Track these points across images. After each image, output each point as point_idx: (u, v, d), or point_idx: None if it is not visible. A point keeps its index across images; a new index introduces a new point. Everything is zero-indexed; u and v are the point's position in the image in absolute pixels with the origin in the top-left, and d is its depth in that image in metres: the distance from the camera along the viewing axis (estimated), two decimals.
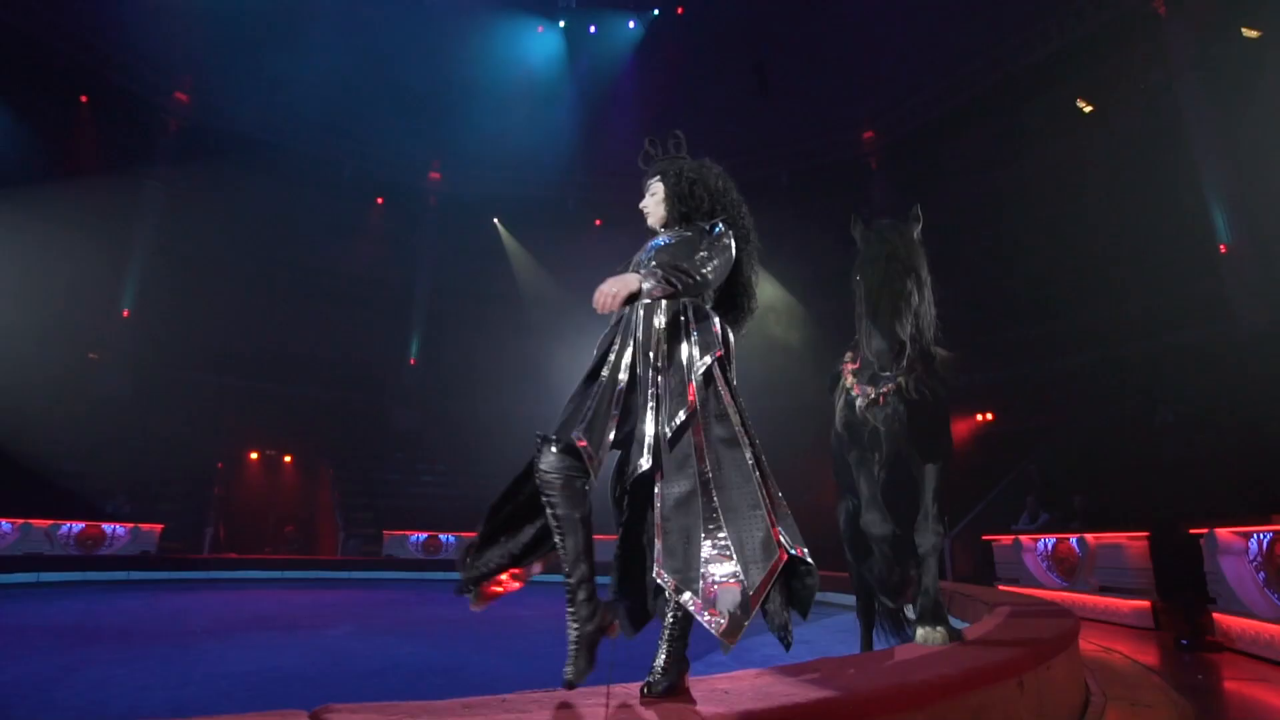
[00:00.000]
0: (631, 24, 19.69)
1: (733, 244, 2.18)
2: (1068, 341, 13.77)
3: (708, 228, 2.22)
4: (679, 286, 1.97)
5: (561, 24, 19.51)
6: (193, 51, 15.85)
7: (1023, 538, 8.02)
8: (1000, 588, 7.66)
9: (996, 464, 11.77)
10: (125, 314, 15.87)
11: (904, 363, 2.68)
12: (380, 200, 19.63)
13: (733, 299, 2.29)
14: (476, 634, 6.05)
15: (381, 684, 3.77)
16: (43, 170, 13.87)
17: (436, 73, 17.90)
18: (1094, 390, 12.37)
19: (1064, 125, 14.55)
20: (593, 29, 19.57)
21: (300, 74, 16.23)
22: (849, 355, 3.30)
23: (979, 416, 14.45)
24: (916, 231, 3.01)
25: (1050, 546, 7.51)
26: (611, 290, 1.86)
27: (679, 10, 19.37)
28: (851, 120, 17.99)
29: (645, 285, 1.90)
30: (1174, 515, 6.14)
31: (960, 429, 14.35)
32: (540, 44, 19.47)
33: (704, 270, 2.04)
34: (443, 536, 13.87)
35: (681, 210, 2.33)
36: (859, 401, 3.12)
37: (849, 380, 3.22)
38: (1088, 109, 14.35)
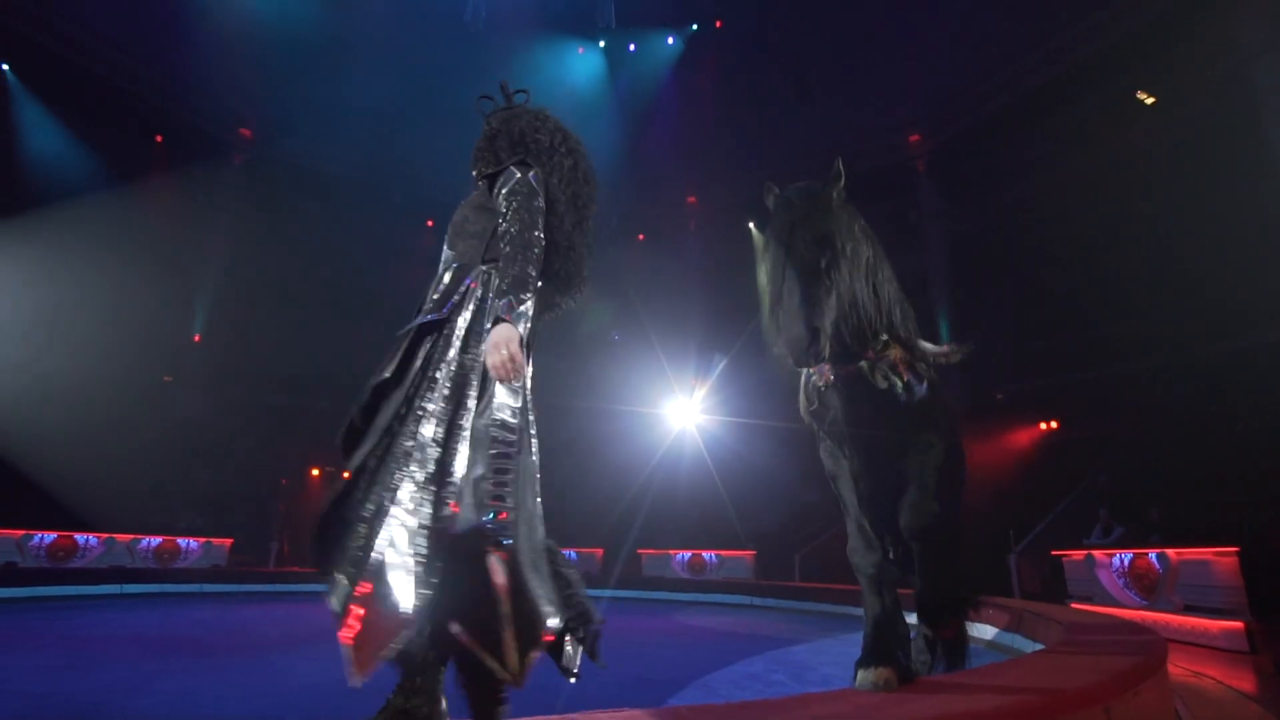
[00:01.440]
0: (670, 40, 19.84)
1: (538, 189, 1.94)
2: (1136, 344, 13.11)
3: (502, 181, 1.97)
4: (531, 291, 1.78)
5: (601, 44, 19.80)
6: (254, 89, 16.71)
7: (1096, 553, 7.63)
8: (1073, 605, 7.31)
9: (1062, 475, 11.26)
10: (196, 339, 16.72)
11: (822, 353, 2.20)
12: (430, 223, 20.20)
13: (548, 265, 2.01)
14: None
15: None
16: (122, 206, 14.77)
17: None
18: (1167, 395, 11.73)
19: (1124, 118, 13.95)
20: (632, 47, 19.79)
21: (351, 103, 16.93)
22: None
23: (1041, 425, 13.88)
24: (836, 192, 2.46)
25: (1127, 562, 7.12)
26: (506, 356, 1.67)
27: (717, 24, 19.42)
28: (896, 123, 17.65)
29: (519, 324, 1.71)
30: (1264, 528, 5.75)
31: (1022, 438, 13.82)
32: (581, 64, 19.79)
33: (530, 251, 1.81)
34: None
35: (479, 167, 2.12)
36: (814, 380, 2.68)
37: None
38: (1150, 100, 13.74)
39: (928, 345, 2.79)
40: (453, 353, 1.78)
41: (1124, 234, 13.33)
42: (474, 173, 2.18)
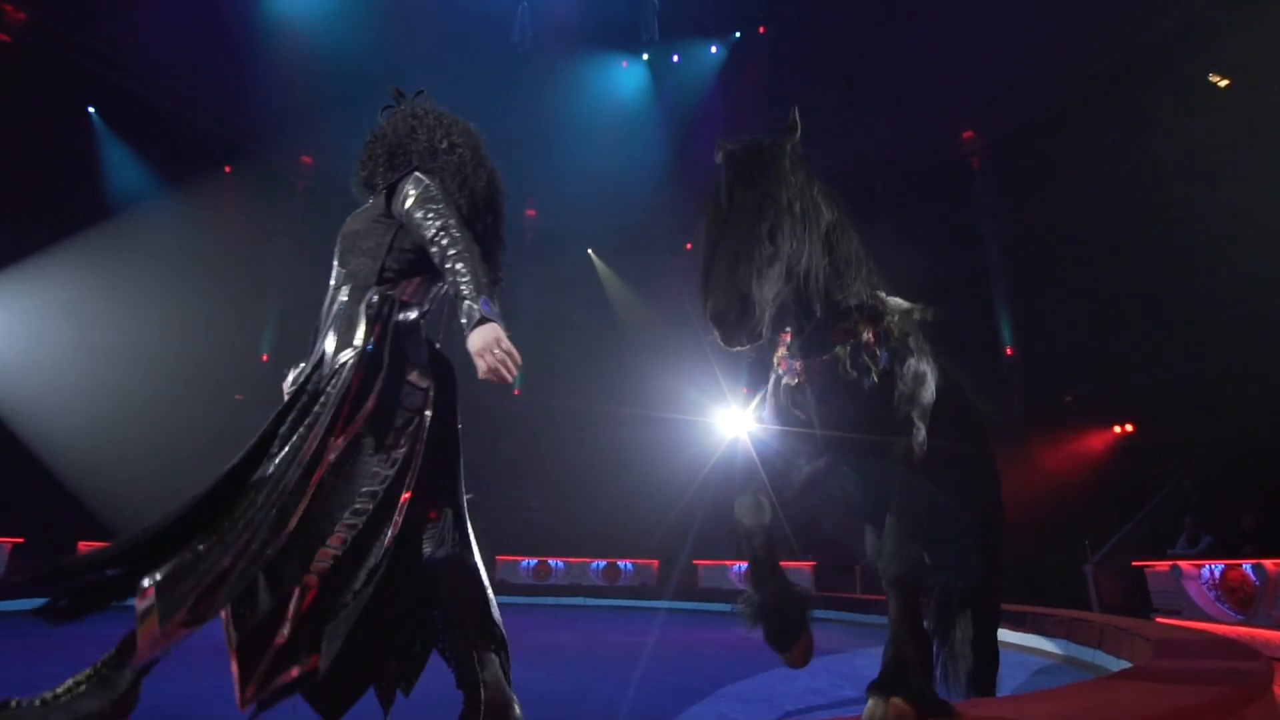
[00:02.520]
0: (714, 49, 19.87)
1: (446, 204, 1.87)
2: (1217, 339, 12.34)
3: (408, 191, 1.91)
4: (495, 288, 1.79)
5: (645, 56, 19.97)
6: (315, 118, 17.50)
7: (1182, 564, 7.19)
8: (1159, 620, 6.90)
9: (1141, 481, 10.70)
10: (264, 358, 17.52)
11: (757, 329, 1.87)
12: None
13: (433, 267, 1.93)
14: (591, 660, 6.09)
15: None
16: (195, 233, 15.63)
17: (528, 115, 18.77)
18: (1254, 393, 10.98)
19: (1196, 103, 13.23)
20: (676, 58, 19.90)
21: None
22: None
23: (1115, 428, 13.20)
24: (790, 146, 2.15)
25: (1218, 574, 6.68)
26: (501, 353, 1.67)
27: (760, 29, 19.35)
28: (948, 120, 17.20)
29: (496, 320, 1.72)
30: None
31: (1094, 442, 13.19)
32: (626, 78, 20.00)
33: (476, 252, 1.79)
34: (552, 562, 14.19)
35: (362, 175, 2.07)
36: (784, 379, 2.41)
37: (780, 352, 2.49)
38: (1223, 83, 13.00)
39: (897, 302, 2.41)
40: (337, 382, 1.73)
41: (1200, 223, 12.61)
42: (361, 181, 2.14)
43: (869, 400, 2.22)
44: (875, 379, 2.20)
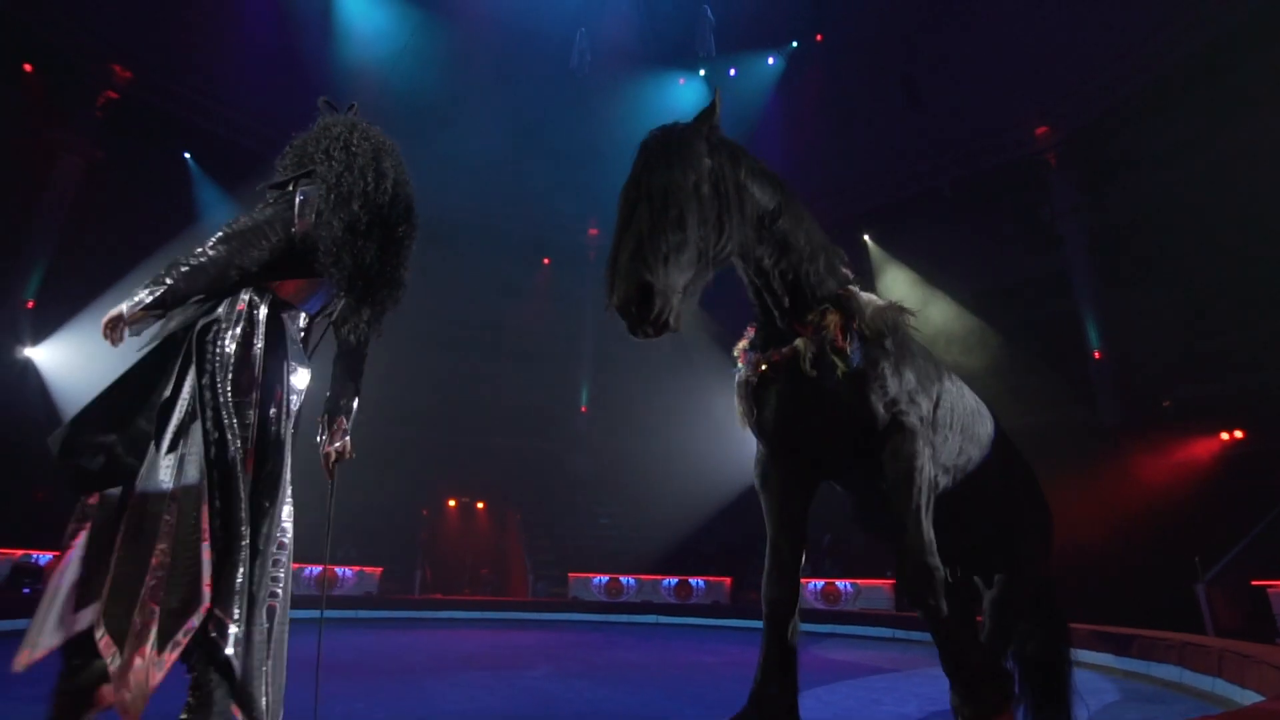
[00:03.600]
0: (771, 60, 19.78)
1: (284, 207, 1.96)
2: None
3: (290, 195, 2.02)
4: (164, 296, 1.80)
5: (702, 72, 20.07)
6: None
7: None
8: None
9: (1255, 492, 9.83)
10: None
11: (662, 318, 1.78)
12: (547, 261, 21.16)
13: (349, 282, 2.05)
14: (664, 679, 6.04)
15: None
16: None
17: (588, 136, 19.14)
18: None
19: None
20: (732, 72, 19.89)
21: (470, 153, 18.18)
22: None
23: (1223, 435, 12.20)
24: (705, 129, 2.06)
25: None
26: (106, 320, 1.78)
27: (818, 37, 19.14)
28: (1019, 116, 16.46)
29: (125, 306, 1.78)
30: None
31: (1198, 451, 12.24)
32: (683, 95, 20.13)
33: (200, 252, 1.85)
34: (623, 579, 14.18)
35: (277, 182, 2.14)
36: (741, 373, 2.33)
37: (740, 344, 2.41)
38: None
39: (870, 297, 2.26)
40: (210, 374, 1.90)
41: None
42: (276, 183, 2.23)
43: (837, 399, 2.10)
44: (840, 376, 2.08)
